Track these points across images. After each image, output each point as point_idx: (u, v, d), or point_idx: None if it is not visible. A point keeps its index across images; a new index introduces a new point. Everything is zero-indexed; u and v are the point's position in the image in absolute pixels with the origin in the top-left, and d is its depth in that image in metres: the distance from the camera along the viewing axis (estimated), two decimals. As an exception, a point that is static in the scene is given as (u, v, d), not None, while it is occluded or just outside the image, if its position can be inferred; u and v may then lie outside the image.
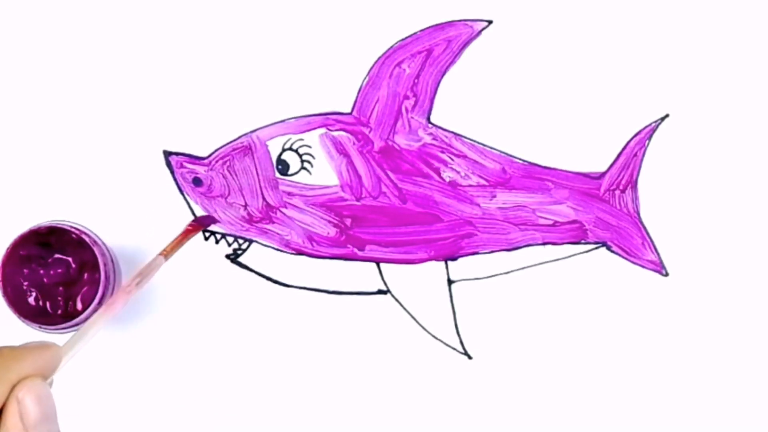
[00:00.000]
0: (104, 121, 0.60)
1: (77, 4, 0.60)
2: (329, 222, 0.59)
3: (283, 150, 0.59)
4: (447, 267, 0.60)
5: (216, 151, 0.59)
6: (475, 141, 0.60)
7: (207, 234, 0.59)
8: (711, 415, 0.59)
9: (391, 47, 0.60)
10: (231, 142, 0.59)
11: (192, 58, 0.60)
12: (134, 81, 0.60)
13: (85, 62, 0.60)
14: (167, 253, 0.51)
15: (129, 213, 0.59)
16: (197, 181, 0.59)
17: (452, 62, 0.60)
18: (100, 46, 0.60)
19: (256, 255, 0.59)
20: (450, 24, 0.60)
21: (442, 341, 0.60)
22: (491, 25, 0.60)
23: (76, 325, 0.54)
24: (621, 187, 0.60)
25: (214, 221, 0.59)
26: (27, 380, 0.33)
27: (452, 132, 0.60)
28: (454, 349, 0.60)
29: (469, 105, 0.60)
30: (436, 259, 0.60)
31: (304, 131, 0.59)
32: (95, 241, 0.55)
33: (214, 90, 0.60)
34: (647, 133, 0.60)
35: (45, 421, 0.33)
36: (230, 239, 0.59)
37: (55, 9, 0.60)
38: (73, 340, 0.39)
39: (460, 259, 0.60)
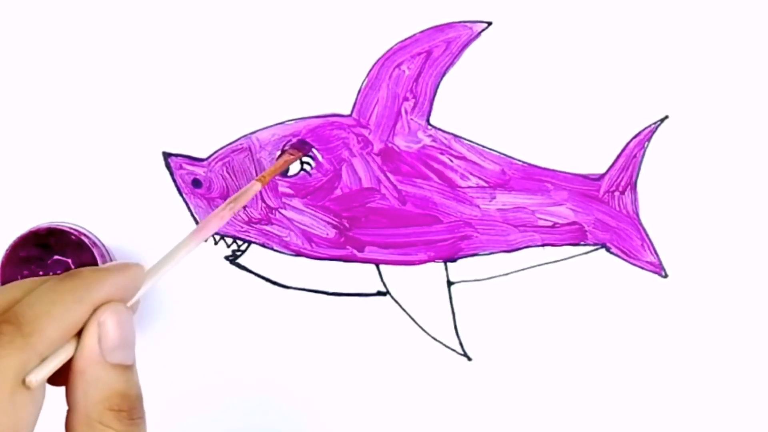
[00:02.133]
0: (104, 122, 0.60)
1: (77, 4, 0.60)
2: (328, 223, 0.59)
3: (283, 151, 0.59)
4: (446, 268, 0.60)
5: (215, 152, 0.59)
6: (474, 142, 0.60)
7: (206, 235, 0.59)
8: (711, 415, 0.59)
9: (391, 49, 0.60)
10: (230, 143, 0.60)
11: (191, 59, 0.60)
12: (134, 82, 0.60)
13: (85, 63, 0.60)
14: (264, 178, 0.50)
15: (128, 214, 0.59)
16: (196, 183, 0.59)
17: (452, 64, 0.60)
18: (100, 48, 0.60)
19: (255, 256, 0.59)
20: (449, 25, 0.60)
21: (441, 342, 0.60)
22: (491, 27, 0.60)
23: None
24: (620, 189, 0.60)
25: (311, 147, 0.57)
26: (110, 304, 0.32)
27: (452, 133, 0.60)
28: (454, 350, 0.60)
29: (469, 106, 0.60)
30: (436, 260, 0.60)
31: (304, 133, 0.59)
32: (95, 243, 0.55)
33: (213, 91, 0.60)
34: (647, 135, 0.60)
35: (123, 346, 0.32)
36: (229, 240, 0.59)
37: (55, 10, 0.60)
38: (161, 262, 0.38)
39: (460, 261, 0.60)
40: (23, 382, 0.30)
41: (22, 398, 0.29)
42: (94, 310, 0.32)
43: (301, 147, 0.57)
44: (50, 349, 0.31)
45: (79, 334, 0.32)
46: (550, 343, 0.59)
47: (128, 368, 0.33)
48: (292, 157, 0.55)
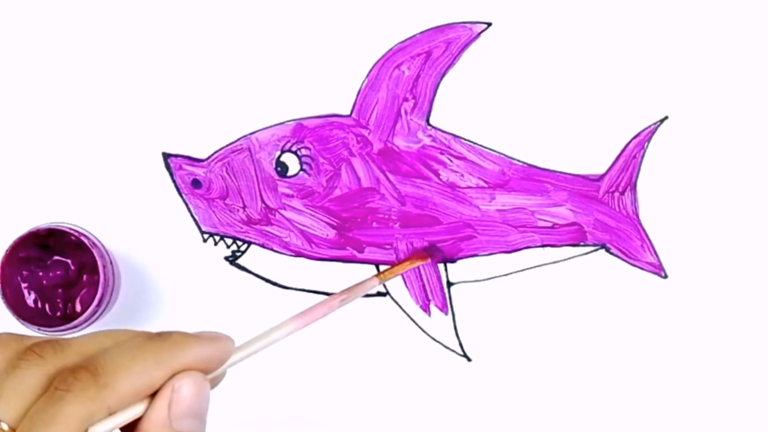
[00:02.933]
0: (103, 122, 0.60)
1: (77, 5, 0.60)
2: (328, 224, 0.59)
3: (282, 152, 0.59)
4: (446, 269, 0.60)
5: (215, 152, 0.59)
6: (474, 143, 0.60)
7: (205, 236, 0.59)
8: (711, 415, 0.59)
9: (390, 49, 0.60)
10: (230, 143, 0.60)
11: (191, 60, 0.60)
12: (133, 83, 0.60)
13: (85, 64, 0.60)
14: (384, 276, 0.49)
15: (128, 215, 0.59)
16: (196, 183, 0.59)
17: (451, 64, 0.60)
18: (100, 48, 0.60)
19: (254, 257, 0.59)
20: (449, 26, 0.60)
21: (441, 343, 0.60)
22: (490, 28, 0.60)
23: (75, 327, 0.54)
24: (620, 189, 0.60)
25: (443, 255, 0.58)
26: (188, 372, 0.32)
27: (451, 134, 0.60)
28: (454, 351, 0.59)
29: (469, 107, 0.60)
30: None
31: (303, 133, 0.59)
32: (94, 243, 0.55)
33: (213, 92, 0.60)
34: (646, 135, 0.60)
35: (193, 416, 0.32)
36: (229, 241, 0.59)
37: (55, 11, 0.60)
38: (254, 339, 0.37)
39: (459, 261, 0.60)
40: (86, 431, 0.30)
41: None
42: (174, 375, 0.32)
43: (430, 252, 0.57)
44: (120, 405, 0.30)
45: (153, 395, 0.31)
46: (550, 344, 0.59)
47: None
48: (418, 260, 0.54)
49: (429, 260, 0.55)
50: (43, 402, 0.29)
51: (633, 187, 0.60)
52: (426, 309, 0.59)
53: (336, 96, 0.60)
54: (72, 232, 0.55)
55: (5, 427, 0.29)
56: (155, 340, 0.32)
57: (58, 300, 0.56)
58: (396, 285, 0.59)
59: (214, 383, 0.34)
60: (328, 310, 0.42)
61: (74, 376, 0.30)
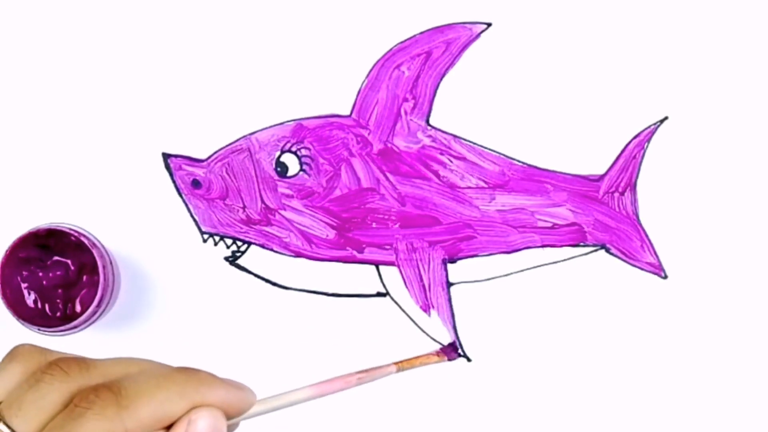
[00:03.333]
0: (103, 123, 0.60)
1: (77, 6, 0.60)
2: (328, 224, 0.59)
3: (282, 152, 0.59)
4: (446, 269, 0.60)
5: (215, 153, 0.59)
6: (474, 143, 0.60)
7: (205, 236, 0.59)
8: (711, 415, 0.59)
9: (390, 50, 0.60)
10: (230, 144, 0.59)
11: (191, 60, 0.60)
12: (133, 83, 0.60)
13: (85, 64, 0.60)
14: (402, 366, 0.50)
15: (128, 215, 0.59)
16: (196, 183, 0.59)
17: (451, 65, 0.60)
18: (100, 49, 0.60)
19: (254, 257, 0.59)
20: (449, 27, 0.60)
21: (441, 344, 0.59)
22: (490, 28, 0.60)
23: (75, 327, 0.54)
24: (620, 190, 0.60)
25: (458, 353, 0.59)
26: (208, 407, 0.32)
27: (451, 134, 0.60)
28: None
29: (468, 107, 0.60)
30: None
31: (303, 133, 0.59)
32: (94, 244, 0.55)
33: (213, 92, 0.60)
34: (646, 136, 0.60)
35: None
36: (229, 241, 0.59)
37: (55, 11, 0.60)
38: (273, 398, 0.38)
39: (459, 262, 0.60)
40: None
41: None
42: (191, 410, 0.32)
43: (450, 352, 0.57)
44: (137, 430, 0.30)
45: (169, 428, 0.31)
46: (550, 344, 0.59)
47: None
48: (436, 357, 0.55)
49: (446, 359, 0.57)
50: (62, 418, 0.29)
51: (633, 188, 0.60)
52: (426, 309, 0.59)
53: (336, 96, 0.60)
54: (72, 232, 0.55)
55: None
56: (182, 374, 0.32)
57: (58, 300, 0.56)
58: (395, 286, 0.59)
59: (230, 430, 0.34)
60: (345, 386, 0.44)
61: (96, 394, 0.29)
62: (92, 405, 0.29)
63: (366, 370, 0.45)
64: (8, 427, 0.29)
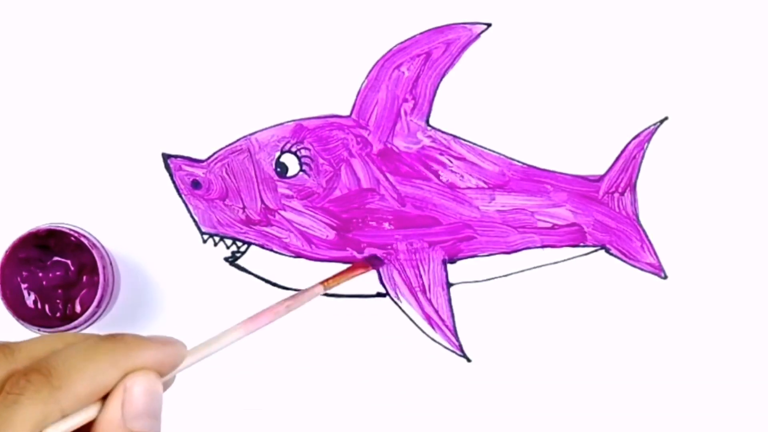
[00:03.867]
0: (103, 123, 0.60)
1: (77, 5, 0.60)
2: (328, 225, 0.59)
3: (282, 152, 0.59)
4: (446, 270, 0.60)
5: (215, 153, 0.59)
6: (474, 143, 0.60)
7: (205, 236, 0.59)
8: (711, 415, 0.59)
9: (390, 50, 0.60)
10: (230, 144, 0.60)
11: (191, 60, 0.60)
12: (133, 84, 0.60)
13: (85, 64, 0.60)
14: (328, 283, 0.49)
15: (128, 215, 0.59)
16: (196, 184, 0.59)
17: (451, 65, 0.60)
18: (100, 49, 0.60)
19: (254, 257, 0.59)
20: (449, 27, 0.60)
21: (441, 344, 0.59)
22: (490, 28, 0.60)
23: (75, 327, 0.54)
24: (620, 190, 0.60)
25: (382, 263, 0.58)
26: (140, 371, 0.32)
27: (451, 134, 0.60)
28: (453, 351, 0.59)
29: (468, 108, 0.60)
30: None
31: (303, 134, 0.59)
32: (94, 244, 0.55)
33: (213, 92, 0.60)
34: (646, 136, 0.60)
35: (146, 416, 0.32)
36: (229, 242, 0.59)
37: (55, 10, 0.60)
38: (204, 344, 0.37)
39: (459, 262, 0.60)
40: None
41: None
42: (125, 376, 0.32)
43: (374, 262, 0.57)
44: (75, 407, 0.30)
45: (106, 397, 0.31)
46: (550, 344, 0.59)
47: None
48: (360, 269, 0.54)
49: (370, 269, 0.56)
50: None
51: (633, 188, 0.60)
52: (426, 310, 0.59)
53: (336, 96, 0.60)
54: (72, 232, 0.55)
55: None
56: (109, 342, 0.32)
57: (58, 301, 0.56)
58: (396, 285, 0.59)
59: (163, 387, 0.34)
60: (275, 317, 0.42)
61: (27, 378, 0.29)
62: (24, 390, 0.29)
63: (293, 296, 0.44)
64: None
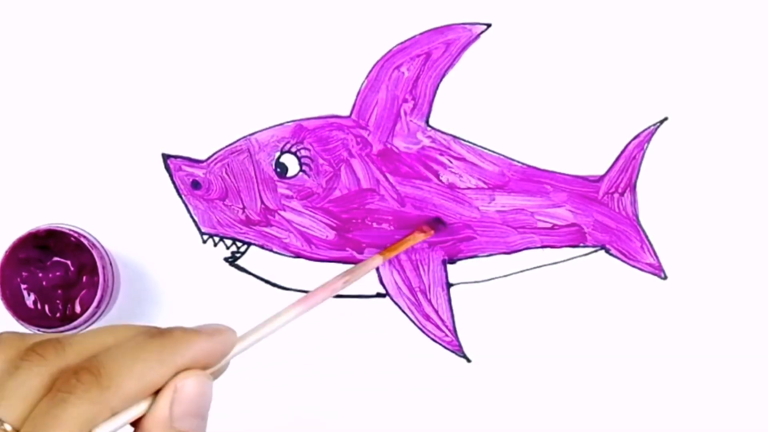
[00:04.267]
0: (103, 123, 0.60)
1: (77, 5, 0.60)
2: (327, 225, 0.59)
3: (282, 152, 0.59)
4: (446, 270, 0.60)
5: (214, 153, 0.59)
6: (473, 144, 0.60)
7: (205, 237, 0.59)
8: (711, 415, 0.59)
9: (390, 50, 0.60)
10: (229, 144, 0.60)
11: (191, 61, 0.60)
12: (133, 84, 0.60)
13: (85, 64, 0.60)
14: (386, 254, 0.47)
15: (127, 216, 0.59)
16: (195, 184, 0.59)
17: (451, 65, 0.60)
18: (99, 49, 0.60)
19: (254, 258, 0.59)
20: (449, 27, 0.60)
21: (441, 344, 0.59)
22: (490, 29, 0.60)
23: (75, 328, 0.54)
24: (620, 190, 0.60)
25: (445, 226, 0.58)
26: (191, 371, 0.32)
27: (451, 135, 0.60)
28: (453, 352, 0.59)
29: (468, 108, 0.60)
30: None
31: (303, 134, 0.59)
32: (94, 244, 0.55)
33: (212, 93, 0.60)
34: (646, 136, 0.59)
35: (193, 416, 0.32)
36: (228, 242, 0.59)
37: (55, 10, 0.60)
38: (254, 329, 0.37)
39: (459, 262, 0.60)
40: None
41: None
42: (177, 373, 0.32)
43: (433, 225, 0.56)
44: (123, 405, 0.30)
45: (155, 393, 0.32)
46: (550, 344, 0.59)
47: None
48: (422, 234, 0.52)
49: (432, 233, 0.53)
50: (46, 404, 0.29)
51: (633, 188, 0.60)
52: (426, 310, 0.59)
53: (335, 97, 0.60)
54: (71, 233, 0.55)
55: (8, 428, 0.29)
56: (157, 338, 0.32)
57: (58, 301, 0.56)
58: (396, 286, 0.59)
59: (216, 375, 0.34)
60: (331, 293, 0.40)
61: (77, 377, 0.29)
62: (74, 389, 0.29)
63: (351, 270, 0.42)
64: None
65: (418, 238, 0.51)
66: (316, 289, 0.40)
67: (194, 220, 0.60)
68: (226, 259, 0.60)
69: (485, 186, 0.60)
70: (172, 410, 0.31)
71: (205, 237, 0.59)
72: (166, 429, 0.31)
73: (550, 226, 0.60)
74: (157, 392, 0.31)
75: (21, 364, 0.30)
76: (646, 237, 0.60)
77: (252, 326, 0.36)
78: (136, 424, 0.32)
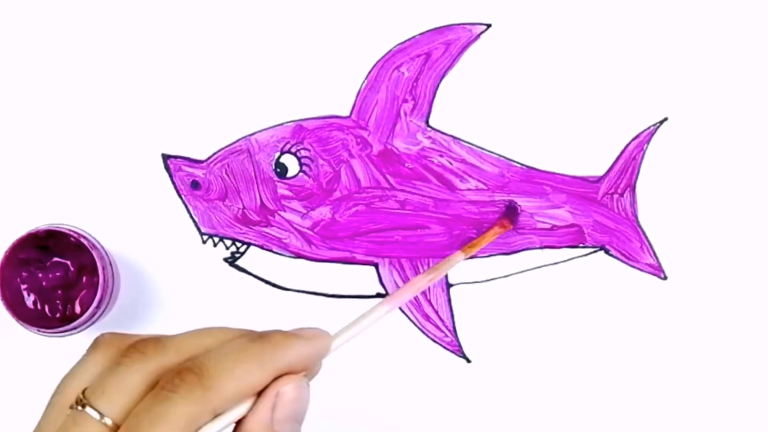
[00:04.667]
0: (103, 124, 0.60)
1: (77, 5, 0.60)
2: (327, 225, 0.59)
3: (282, 153, 0.59)
4: (445, 270, 0.60)
5: (214, 154, 0.59)
6: (473, 144, 0.60)
7: (205, 237, 0.59)
8: (711, 416, 0.59)
9: (390, 50, 0.60)
10: (229, 145, 0.59)
11: (191, 61, 0.60)
12: (133, 84, 0.60)
13: (85, 65, 0.60)
14: (469, 249, 0.47)
15: (127, 216, 0.59)
16: (195, 184, 0.59)
17: (451, 66, 0.60)
18: (99, 49, 0.60)
19: (254, 258, 0.59)
20: (449, 27, 0.60)
21: (440, 345, 0.60)
22: (490, 29, 0.60)
23: (75, 328, 0.54)
24: (619, 191, 0.60)
25: (518, 214, 0.57)
26: (292, 377, 0.33)
27: (451, 135, 0.60)
28: (453, 352, 0.59)
29: (468, 108, 0.60)
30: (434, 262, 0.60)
31: (303, 134, 0.59)
32: (94, 245, 0.55)
33: (212, 93, 0.60)
34: (646, 137, 0.60)
35: (292, 420, 0.33)
36: (228, 242, 0.59)
37: (55, 11, 0.60)
38: (347, 327, 0.38)
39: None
40: None
41: None
42: (277, 377, 0.32)
43: (512, 216, 0.56)
44: (224, 407, 0.31)
45: (256, 394, 0.32)
46: (550, 345, 0.59)
47: None
48: (502, 229, 0.52)
49: (511, 227, 0.53)
50: (150, 401, 0.30)
51: (632, 189, 0.60)
52: (425, 310, 0.59)
53: (335, 97, 0.60)
54: (71, 233, 0.55)
55: (109, 422, 0.30)
56: (257, 342, 0.32)
57: (58, 301, 0.56)
58: (396, 286, 0.59)
59: (311, 378, 0.35)
60: (417, 291, 0.42)
61: (180, 377, 0.30)
62: (178, 389, 0.30)
63: (433, 268, 0.43)
64: (95, 409, 0.30)
65: (499, 231, 0.51)
66: (402, 288, 0.41)
67: (194, 221, 0.60)
68: (225, 260, 0.60)
69: (485, 187, 0.60)
70: (273, 414, 0.32)
71: (205, 237, 0.59)
72: (267, 431, 0.32)
73: (549, 226, 0.60)
74: (257, 394, 0.32)
75: (122, 361, 0.31)
76: (646, 237, 0.60)
77: (342, 326, 0.37)
78: (237, 425, 0.32)
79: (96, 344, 0.33)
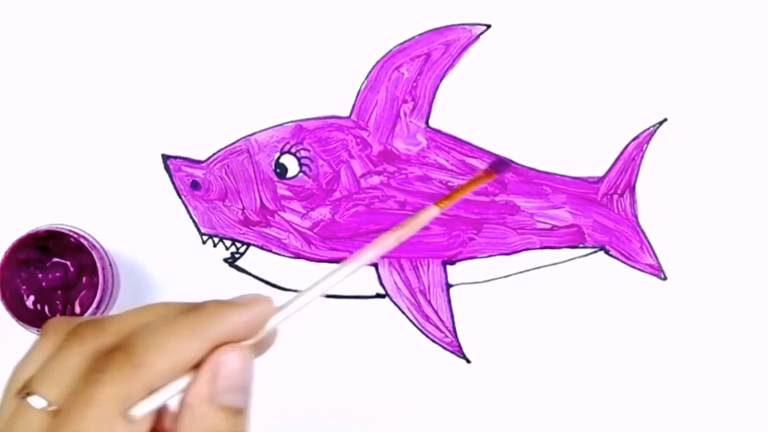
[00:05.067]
0: (103, 124, 0.60)
1: (77, 5, 0.60)
2: (327, 226, 0.59)
3: (281, 153, 0.59)
4: (445, 271, 0.60)
5: (214, 154, 0.60)
6: (473, 145, 0.60)
7: (205, 237, 0.59)
8: (711, 416, 0.59)
9: (390, 51, 0.60)
10: (229, 145, 0.60)
11: (191, 61, 0.60)
12: (133, 84, 0.60)
13: (85, 65, 0.60)
14: (443, 203, 0.42)
15: (127, 216, 0.59)
16: (195, 185, 0.59)
17: (451, 66, 0.60)
18: (99, 50, 0.60)
19: (254, 258, 0.59)
20: (449, 28, 0.60)
21: (440, 345, 0.60)
22: (489, 30, 0.60)
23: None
24: (619, 191, 0.60)
25: (508, 167, 0.55)
26: (230, 346, 0.31)
27: (451, 136, 0.60)
28: (453, 352, 0.59)
29: (468, 109, 0.60)
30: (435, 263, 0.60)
31: (303, 135, 0.59)
32: (93, 245, 0.55)
33: (212, 93, 0.60)
34: (645, 137, 0.60)
35: (236, 390, 0.31)
36: (228, 242, 0.59)
37: (55, 11, 0.60)
38: (296, 296, 0.35)
39: (459, 263, 0.60)
40: (127, 413, 0.29)
41: (122, 430, 0.29)
42: (216, 347, 0.31)
43: (495, 167, 0.48)
44: (159, 383, 0.30)
45: (195, 368, 0.31)
46: (549, 345, 0.59)
47: (238, 412, 0.31)
48: (482, 179, 0.46)
49: (494, 176, 0.47)
50: (81, 384, 0.29)
51: (632, 189, 0.60)
52: (425, 311, 0.59)
53: (335, 97, 0.60)
54: (71, 233, 0.55)
55: (51, 408, 0.29)
56: (190, 313, 0.31)
57: (58, 302, 0.56)
58: (395, 286, 0.59)
59: (262, 348, 0.33)
60: (383, 250, 0.36)
61: (109, 357, 0.29)
62: (107, 369, 0.29)
63: (404, 223, 0.37)
64: (36, 395, 0.29)
65: (480, 181, 0.45)
66: (365, 247, 0.36)
67: (194, 221, 0.60)
68: (225, 260, 0.60)
69: (485, 187, 0.60)
70: (214, 385, 0.31)
71: (205, 237, 0.59)
72: (209, 404, 0.31)
73: (549, 227, 0.60)
74: (197, 366, 0.31)
75: (63, 345, 0.30)
76: (646, 238, 0.60)
77: (292, 297, 0.34)
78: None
79: (44, 329, 0.32)
